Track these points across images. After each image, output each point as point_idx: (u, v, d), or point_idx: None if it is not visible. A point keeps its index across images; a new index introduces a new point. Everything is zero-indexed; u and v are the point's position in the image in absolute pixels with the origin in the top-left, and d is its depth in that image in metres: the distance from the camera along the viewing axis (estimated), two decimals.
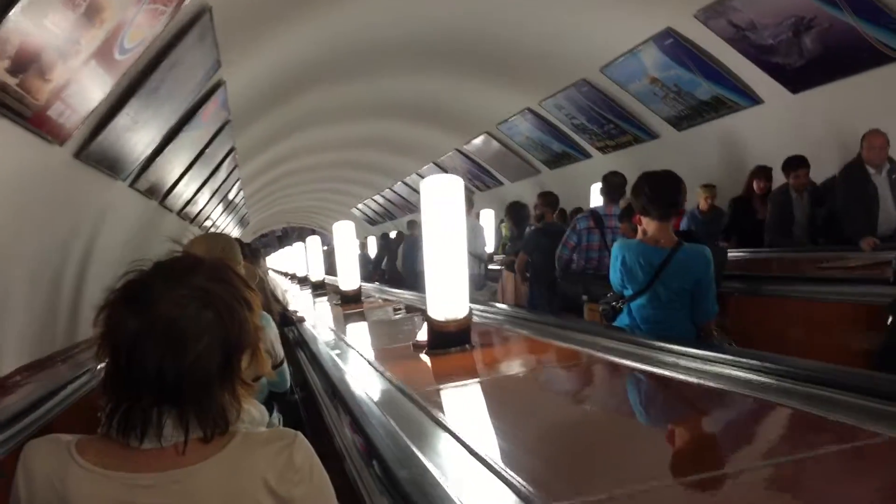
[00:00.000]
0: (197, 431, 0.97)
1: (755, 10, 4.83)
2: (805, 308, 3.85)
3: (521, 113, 8.87)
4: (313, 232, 24.78)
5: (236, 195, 13.11)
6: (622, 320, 2.90)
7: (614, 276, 2.87)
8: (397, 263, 11.82)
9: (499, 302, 6.44)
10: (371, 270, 12.92)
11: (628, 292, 2.83)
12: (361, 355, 3.09)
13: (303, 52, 6.49)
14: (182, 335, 0.96)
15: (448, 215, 2.60)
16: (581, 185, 8.62)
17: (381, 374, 2.55)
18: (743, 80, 5.78)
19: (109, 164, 4.15)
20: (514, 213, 6.51)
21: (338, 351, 3.28)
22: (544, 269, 5.37)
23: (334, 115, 10.52)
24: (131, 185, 5.17)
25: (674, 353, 2.22)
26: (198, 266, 1.05)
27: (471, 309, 2.75)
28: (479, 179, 12.47)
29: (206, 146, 6.50)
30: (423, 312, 2.93)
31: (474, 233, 6.87)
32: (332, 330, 4.21)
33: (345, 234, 5.31)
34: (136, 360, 0.95)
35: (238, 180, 11.54)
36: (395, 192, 17.14)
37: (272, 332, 2.52)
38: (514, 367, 2.93)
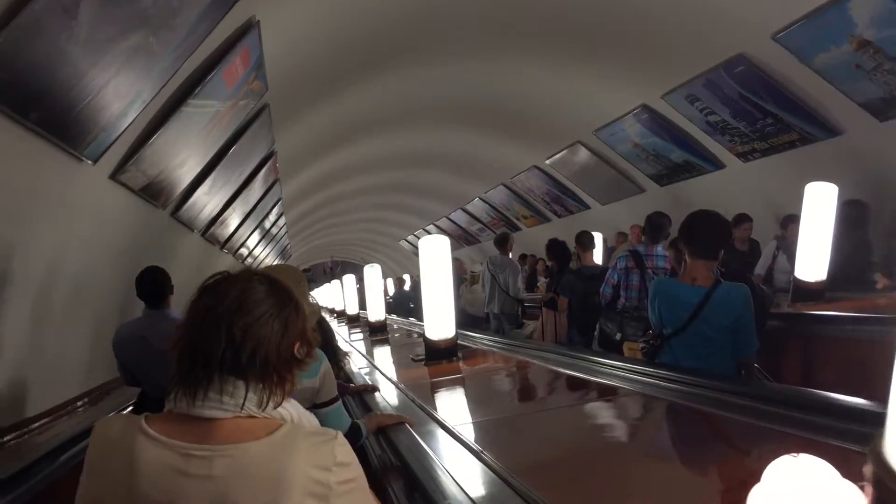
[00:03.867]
0: (253, 398, 1.07)
1: None
2: None
3: (634, 112, 6.97)
4: (355, 267, 23.15)
5: (276, 220, 11.41)
6: (662, 358, 2.85)
7: (652, 314, 2.89)
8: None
9: (539, 340, 6.37)
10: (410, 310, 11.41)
11: (667, 330, 2.81)
12: None
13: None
14: (246, 299, 1.09)
15: None
16: (704, 206, 6.58)
17: None
18: None
19: (47, 121, 2.38)
20: (555, 250, 6.55)
21: None
22: (578, 311, 5.56)
23: (392, 120, 8.74)
24: (113, 177, 3.42)
25: None
26: (260, 272, 1.22)
27: None
28: (559, 203, 10.56)
29: (238, 136, 4.75)
30: None
31: (513, 272, 7.04)
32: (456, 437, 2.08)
33: (436, 252, 3.37)
34: (207, 329, 1.06)
35: (279, 201, 9.84)
36: (451, 220, 15.32)
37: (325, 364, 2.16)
38: None
